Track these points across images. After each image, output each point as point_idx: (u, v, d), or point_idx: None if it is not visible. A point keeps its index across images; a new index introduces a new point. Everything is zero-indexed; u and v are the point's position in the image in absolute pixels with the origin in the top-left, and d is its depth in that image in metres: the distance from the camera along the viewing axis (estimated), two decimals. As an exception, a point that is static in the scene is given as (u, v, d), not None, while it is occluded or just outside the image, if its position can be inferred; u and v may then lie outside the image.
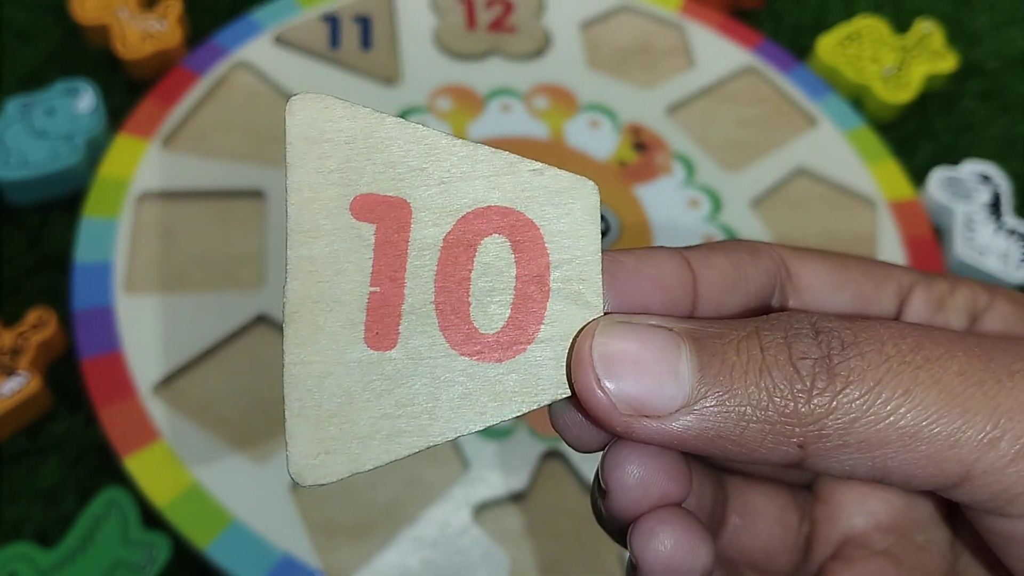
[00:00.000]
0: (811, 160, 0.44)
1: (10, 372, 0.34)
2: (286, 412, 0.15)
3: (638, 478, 0.15)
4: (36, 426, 0.35)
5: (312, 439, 0.15)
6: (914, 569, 0.18)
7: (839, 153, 0.45)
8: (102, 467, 0.34)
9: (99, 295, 0.36)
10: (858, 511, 0.18)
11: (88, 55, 0.44)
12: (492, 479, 0.34)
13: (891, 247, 0.42)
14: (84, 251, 0.37)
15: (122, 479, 0.33)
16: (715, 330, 0.15)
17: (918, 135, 0.46)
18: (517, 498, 0.34)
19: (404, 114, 0.43)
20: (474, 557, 0.33)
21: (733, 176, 0.43)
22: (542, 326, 0.15)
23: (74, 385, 0.35)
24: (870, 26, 0.48)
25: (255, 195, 0.40)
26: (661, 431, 0.14)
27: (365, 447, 0.15)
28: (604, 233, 0.37)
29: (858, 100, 0.47)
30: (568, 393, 0.15)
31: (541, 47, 0.47)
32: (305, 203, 0.15)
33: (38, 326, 0.35)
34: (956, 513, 0.18)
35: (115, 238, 0.38)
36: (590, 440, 0.16)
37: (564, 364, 0.15)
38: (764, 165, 0.44)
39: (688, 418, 0.14)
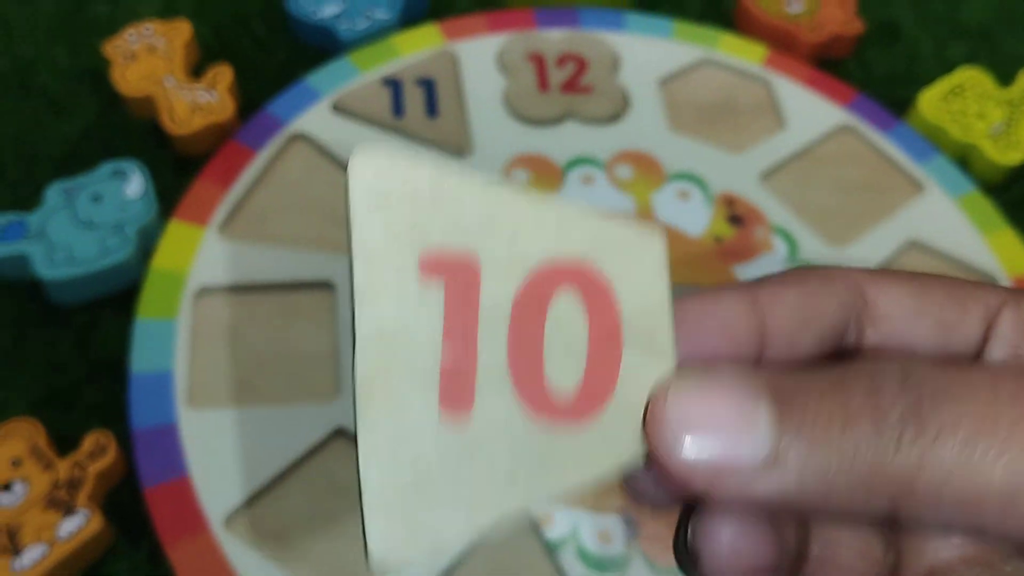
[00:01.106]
0: (923, 231, 0.41)
1: (68, 509, 0.30)
2: (362, 489, 0.13)
3: (731, 545, 0.15)
4: (94, 565, 0.31)
5: (392, 518, 0.13)
6: None
7: (952, 222, 0.41)
8: (172, 614, 0.30)
9: (160, 411, 0.33)
10: (945, 544, 0.17)
11: (131, 128, 0.41)
12: (608, 618, 0.31)
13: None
14: (141, 359, 0.34)
15: (196, 631, 0.29)
16: (794, 383, 0.14)
17: (1032, 199, 0.43)
18: (637, 639, 0.31)
19: (479, 189, 0.40)
20: None
21: (839, 251, 0.40)
22: (617, 384, 0.15)
23: (135, 513, 0.31)
24: (973, 79, 0.45)
25: (323, 286, 0.37)
26: (742, 493, 0.14)
27: (448, 521, 0.14)
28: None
29: (963, 160, 0.43)
30: (644, 455, 0.14)
31: (619, 109, 0.43)
32: (370, 263, 0.14)
33: (95, 453, 0.31)
34: None
35: (174, 342, 0.34)
36: (662, 500, 0.15)
37: (640, 424, 0.15)
38: (872, 238, 0.40)
39: (769, 478, 0.14)
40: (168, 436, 0.32)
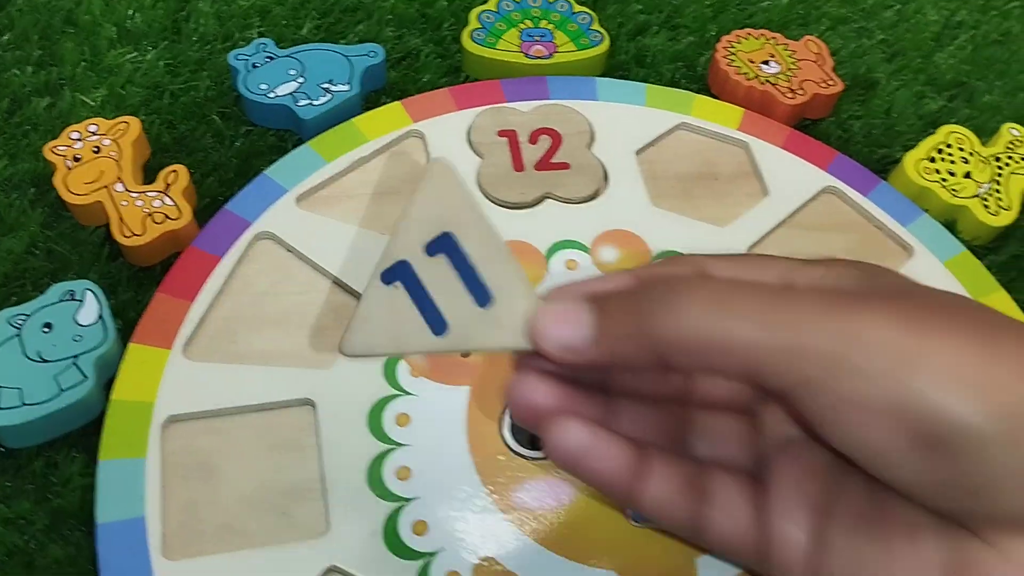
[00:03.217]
0: (917, 300, 0.40)
1: None
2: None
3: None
4: None
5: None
6: (826, 455, 0.25)
7: (943, 286, 0.40)
8: None
9: (133, 566, 0.30)
10: (789, 421, 0.26)
11: (81, 239, 0.38)
12: None
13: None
14: (107, 507, 0.31)
15: None
16: (611, 295, 0.24)
17: (1021, 259, 0.42)
18: None
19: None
20: None
21: (835, 327, 0.38)
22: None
23: None
24: (957, 137, 0.44)
25: (303, 405, 0.34)
26: (583, 358, 0.23)
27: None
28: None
29: (950, 222, 0.43)
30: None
31: (598, 185, 0.41)
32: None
33: (65, 625, 0.28)
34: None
35: (143, 484, 0.32)
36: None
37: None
38: (867, 310, 0.39)
39: (595, 349, 0.23)
40: (144, 595, 0.30)
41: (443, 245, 0.24)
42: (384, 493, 0.32)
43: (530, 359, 0.24)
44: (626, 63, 0.47)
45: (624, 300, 0.23)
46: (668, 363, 0.22)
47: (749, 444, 0.26)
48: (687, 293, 0.22)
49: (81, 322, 0.34)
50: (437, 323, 0.24)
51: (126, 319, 0.36)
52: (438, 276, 0.24)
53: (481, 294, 0.24)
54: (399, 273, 0.24)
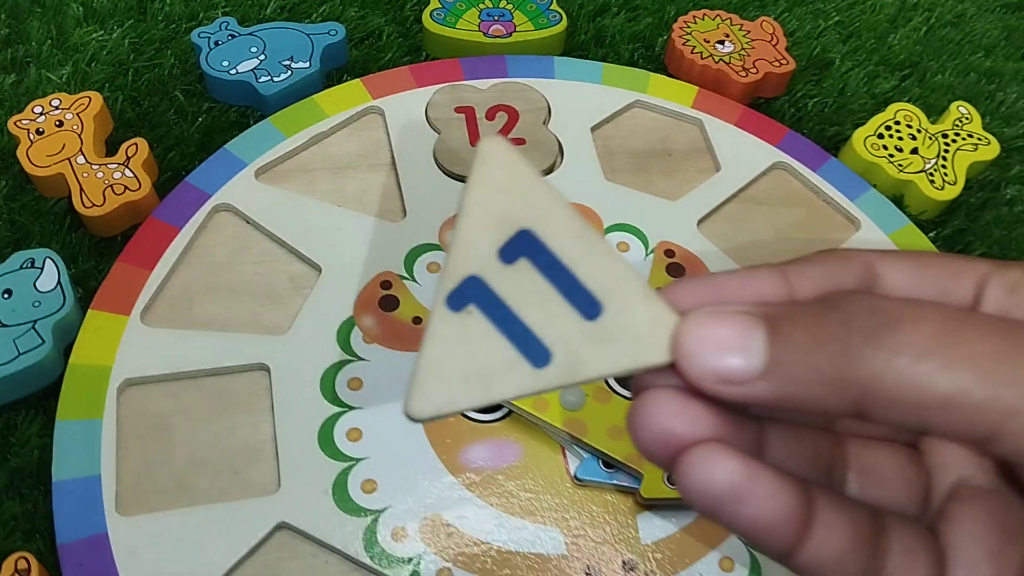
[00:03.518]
0: (861, 271, 0.41)
1: (-10, 642, 0.28)
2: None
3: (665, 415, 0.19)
4: None
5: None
6: (1018, 508, 0.20)
7: (888, 259, 0.41)
8: None
9: (88, 522, 0.31)
10: (967, 460, 0.21)
11: (43, 210, 0.38)
12: None
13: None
14: (64, 465, 0.32)
15: None
16: (788, 311, 0.18)
17: (966, 232, 0.43)
18: None
19: (416, 253, 0.38)
20: None
21: (781, 297, 0.40)
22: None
23: (65, 635, 0.30)
24: (904, 115, 0.45)
25: (257, 370, 0.35)
26: (742, 394, 0.18)
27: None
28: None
29: (898, 196, 0.44)
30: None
31: (553, 160, 0.42)
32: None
33: (18, 576, 0.29)
34: None
35: (99, 444, 0.32)
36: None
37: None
38: (812, 281, 0.40)
39: (762, 385, 0.18)
40: (98, 548, 0.30)
41: (522, 247, 0.19)
42: (335, 453, 0.33)
43: (654, 375, 0.19)
44: (585, 43, 0.48)
45: (812, 322, 0.18)
46: (865, 415, 0.17)
47: (915, 486, 0.22)
48: (909, 326, 0.17)
49: (40, 288, 0.35)
50: (536, 352, 0.19)
51: (87, 288, 0.36)
52: (524, 289, 0.19)
53: (587, 303, 0.19)
54: (470, 293, 0.19)
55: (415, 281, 0.38)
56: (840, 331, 0.17)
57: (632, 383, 0.20)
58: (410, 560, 0.31)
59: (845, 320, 0.17)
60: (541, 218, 0.19)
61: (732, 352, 0.18)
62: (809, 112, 0.47)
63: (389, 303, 0.37)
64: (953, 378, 0.17)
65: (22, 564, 0.29)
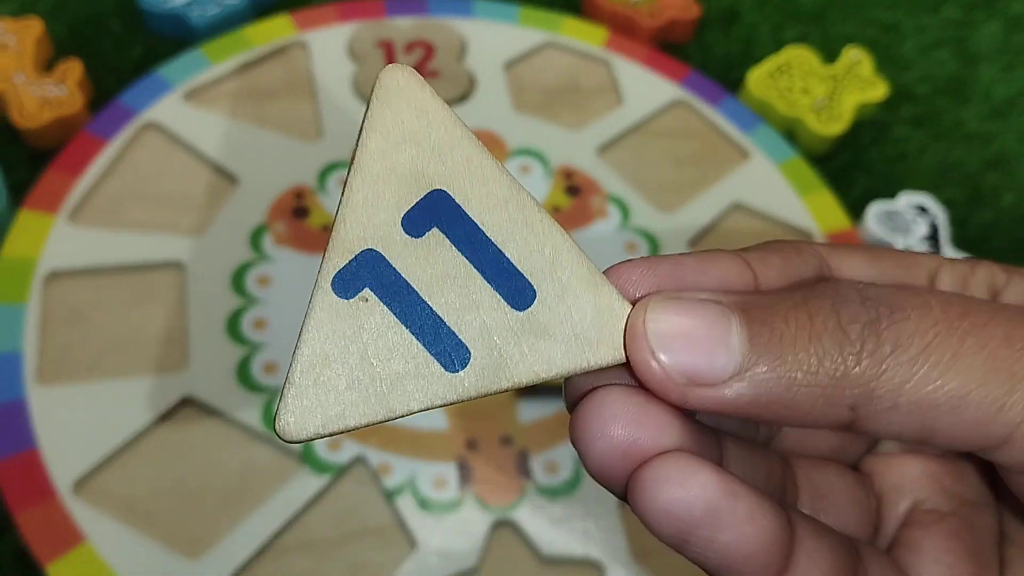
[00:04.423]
0: (746, 195, 0.44)
1: (-89, 485, 0.31)
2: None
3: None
4: (-56, 539, 0.32)
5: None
6: (982, 528, 0.18)
7: (773, 186, 0.44)
8: (20, 579, 0.31)
9: (9, 389, 0.34)
10: (920, 482, 0.19)
11: (-16, 125, 0.42)
12: (441, 557, 0.33)
13: (831, 280, 0.41)
14: (-11, 342, 0.35)
15: (43, 593, 0.31)
16: (764, 301, 0.15)
17: (852, 167, 0.46)
18: (469, 574, 0.33)
19: (329, 169, 0.41)
20: (427, 647, 0.31)
21: (669, 216, 0.43)
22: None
23: (-15, 490, 0.33)
24: (799, 57, 0.48)
25: (173, 267, 0.38)
26: (716, 398, 0.15)
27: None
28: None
29: (790, 133, 0.47)
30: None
31: (466, 91, 0.46)
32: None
33: (-60, 431, 0.32)
34: (995, 475, 0.19)
35: (23, 325, 0.36)
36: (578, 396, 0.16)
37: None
38: (700, 203, 0.43)
39: (741, 385, 0.15)
40: (17, 412, 0.34)
41: (434, 213, 0.15)
42: (240, 339, 0.36)
43: (595, 377, 0.16)
44: (507, -10, 0.52)
45: (797, 313, 0.15)
46: (859, 421, 0.15)
47: (865, 510, 0.19)
48: (912, 313, 0.15)
49: (-25, 189, 0.38)
50: (449, 351, 0.15)
51: (21, 195, 0.39)
52: (435, 268, 0.15)
53: (516, 288, 0.15)
54: (365, 274, 0.15)
55: (326, 194, 0.41)
56: (831, 322, 0.15)
57: (567, 388, 0.17)
58: (302, 430, 0.34)
59: (835, 310, 0.15)
60: (459, 176, 0.15)
61: (702, 347, 0.15)
62: (714, 57, 0.50)
63: (300, 212, 0.40)
64: (965, 371, 0.14)
65: (-57, 419, 0.32)
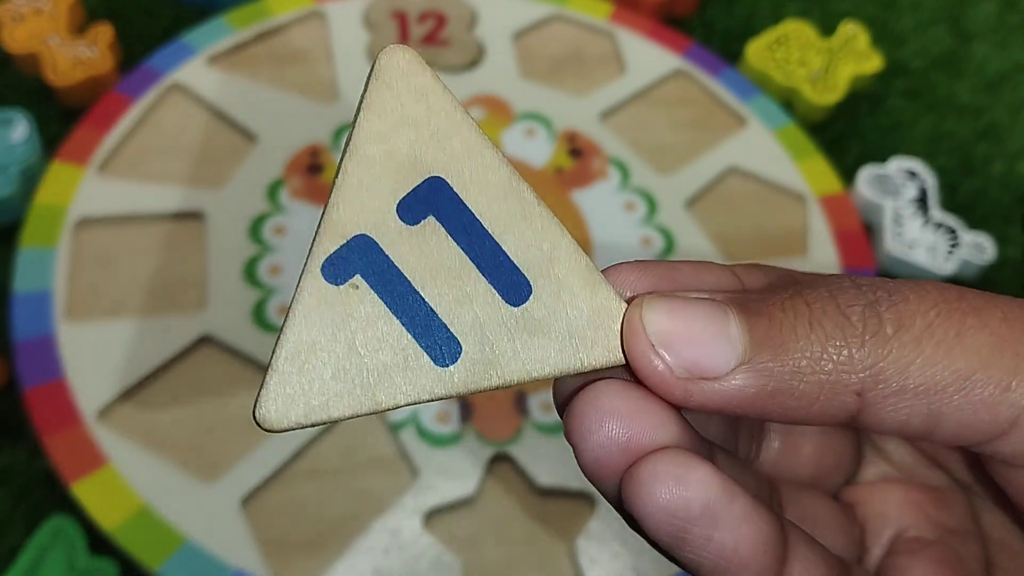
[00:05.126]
0: (742, 159, 0.46)
1: (-50, 406, 0.33)
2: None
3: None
4: (-21, 459, 0.34)
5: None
6: (969, 556, 0.18)
7: (769, 151, 0.46)
8: (49, 498, 0.34)
9: (40, 324, 0.36)
10: (904, 509, 0.19)
11: (20, 84, 0.44)
12: (441, 486, 0.35)
13: (822, 241, 0.43)
14: (23, 281, 0.37)
15: (70, 508, 0.33)
16: (758, 295, 0.15)
17: (847, 135, 0.48)
18: (467, 503, 0.35)
19: (343, 129, 0.44)
20: (426, 564, 0.33)
21: (667, 178, 0.45)
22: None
23: (16, 418, 0.35)
24: (796, 30, 0.50)
25: (194, 217, 0.40)
26: (720, 392, 0.14)
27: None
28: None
29: (787, 103, 0.48)
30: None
31: (475, 59, 0.48)
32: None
33: (-23, 358, 0.34)
34: (978, 505, 0.19)
35: (54, 266, 0.38)
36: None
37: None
38: (697, 166, 0.45)
39: (745, 375, 0.14)
40: (47, 345, 0.36)
41: (431, 201, 0.15)
42: (257, 283, 0.39)
43: (593, 377, 0.16)
44: (518, -33, 0.54)
45: (794, 303, 0.15)
46: (863, 412, 0.15)
47: (850, 536, 0.19)
48: (911, 295, 0.15)
49: (12, 140, 0.40)
50: (440, 344, 0.15)
51: (53, 148, 0.42)
52: (430, 258, 0.15)
53: (511, 283, 0.15)
54: (356, 260, 0.15)
55: (340, 152, 0.43)
56: (830, 307, 0.15)
57: (556, 388, 0.16)
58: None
59: (832, 296, 0.15)
60: (458, 163, 0.15)
61: (702, 340, 0.15)
62: (716, 32, 0.52)
63: (315, 168, 0.42)
64: (969, 350, 0.14)
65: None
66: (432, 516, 0.34)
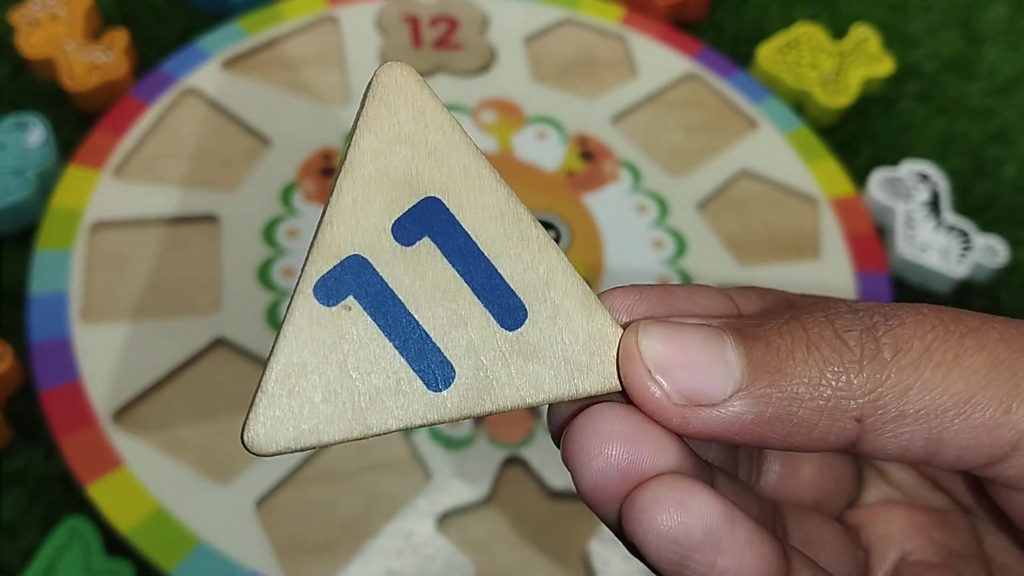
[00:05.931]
0: (753, 162, 0.46)
1: (-33, 407, 0.34)
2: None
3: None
4: (-5, 460, 0.35)
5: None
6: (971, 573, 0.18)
7: (780, 154, 0.46)
8: (64, 498, 0.34)
9: (56, 326, 0.37)
10: (908, 532, 0.19)
11: (36, 89, 0.44)
12: (454, 488, 0.35)
13: (834, 244, 0.43)
14: (39, 283, 0.38)
15: (85, 509, 0.33)
16: (754, 321, 0.15)
17: (859, 138, 0.48)
18: (480, 506, 0.35)
19: (354, 134, 0.44)
20: (439, 566, 0.33)
21: (679, 181, 0.45)
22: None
23: (32, 418, 0.35)
24: (808, 33, 0.50)
25: (208, 220, 0.41)
26: (718, 419, 0.14)
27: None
28: (556, 240, 0.38)
29: (799, 106, 0.48)
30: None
31: (487, 63, 0.48)
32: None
33: (-6, 360, 0.35)
34: (980, 529, 0.19)
35: (70, 268, 0.38)
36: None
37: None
38: (708, 169, 0.45)
39: (743, 401, 0.14)
40: (62, 347, 0.36)
41: (426, 222, 0.15)
42: (270, 286, 0.39)
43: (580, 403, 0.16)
44: (529, -28, 0.54)
45: (791, 328, 0.15)
46: (862, 437, 0.15)
47: (855, 560, 0.19)
48: (908, 318, 0.15)
49: (29, 144, 0.40)
50: (433, 368, 0.14)
51: (69, 152, 0.42)
52: (425, 280, 0.15)
53: (507, 307, 0.15)
54: (350, 280, 0.14)
55: (353, 155, 0.43)
56: (827, 331, 0.14)
57: (550, 413, 0.16)
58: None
59: (829, 320, 0.15)
60: (455, 184, 0.15)
61: (700, 365, 0.14)
62: (726, 35, 0.52)
63: (328, 172, 0.43)
64: (968, 372, 0.14)
65: (0, 351, 0.35)
66: (445, 518, 0.34)
